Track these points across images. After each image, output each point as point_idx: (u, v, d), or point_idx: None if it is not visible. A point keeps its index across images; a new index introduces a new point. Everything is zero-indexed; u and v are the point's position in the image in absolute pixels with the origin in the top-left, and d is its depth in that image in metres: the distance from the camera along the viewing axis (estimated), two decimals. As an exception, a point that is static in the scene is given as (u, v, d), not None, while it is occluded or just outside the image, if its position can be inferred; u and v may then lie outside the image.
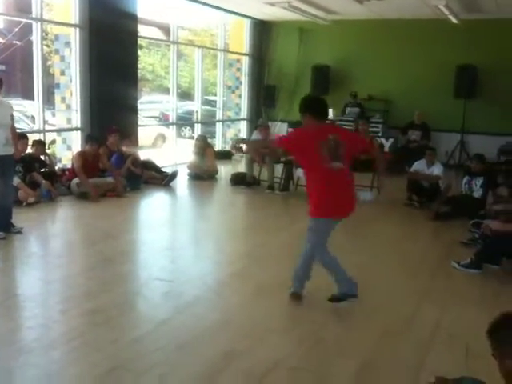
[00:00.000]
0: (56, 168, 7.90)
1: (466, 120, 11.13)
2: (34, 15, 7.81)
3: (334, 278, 4.09)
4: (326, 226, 4.08)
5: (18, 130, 6.14)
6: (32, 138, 7.53)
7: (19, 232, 5.63)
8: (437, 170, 7.75)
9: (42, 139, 7.84)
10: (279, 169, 8.78)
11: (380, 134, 10.73)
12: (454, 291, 4.62)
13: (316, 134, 3.99)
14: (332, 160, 3.92)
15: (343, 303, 4.06)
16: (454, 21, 10.50)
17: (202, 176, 9.29)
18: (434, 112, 11.08)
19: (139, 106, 9.99)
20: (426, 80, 11.46)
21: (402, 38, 11.71)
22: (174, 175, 8.78)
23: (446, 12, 9.83)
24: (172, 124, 11.50)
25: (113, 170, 7.82)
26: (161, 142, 14.35)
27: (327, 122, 4.45)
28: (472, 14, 10.29)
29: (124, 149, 8.32)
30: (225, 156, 11.71)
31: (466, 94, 10.95)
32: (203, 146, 9.55)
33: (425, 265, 5.34)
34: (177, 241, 6.22)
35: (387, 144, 10.74)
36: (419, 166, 7.89)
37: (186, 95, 17.09)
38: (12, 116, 5.62)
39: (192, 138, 11.76)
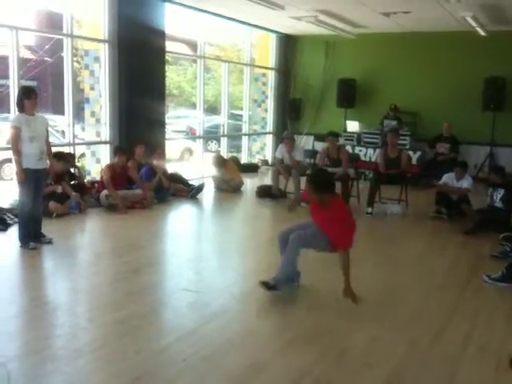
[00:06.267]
0: (85, 181, 8.04)
1: (495, 132, 10.96)
2: (64, 31, 8.02)
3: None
4: None
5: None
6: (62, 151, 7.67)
7: (49, 242, 5.73)
8: (466, 182, 7.63)
9: (72, 152, 7.99)
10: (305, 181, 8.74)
11: (408, 147, 10.63)
12: (484, 304, 4.52)
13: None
14: None
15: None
16: (482, 33, 10.41)
17: (227, 189, 9.38)
18: (463, 124, 10.93)
19: (167, 121, 10.12)
20: (454, 92, 11.34)
21: (429, 50, 11.64)
22: (200, 188, 8.85)
23: (474, 24, 9.75)
24: (199, 138, 11.60)
25: (141, 183, 7.91)
26: (188, 156, 14.52)
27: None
28: (499, 25, 10.18)
29: (155, 163, 8.42)
30: (250, 169, 11.79)
31: (494, 107, 10.81)
32: (220, 162, 9.67)
33: (454, 278, 5.24)
34: (203, 252, 6.24)
35: (415, 157, 10.64)
36: (448, 178, 7.78)
37: (212, 110, 17.25)
38: (47, 130, 5.77)
39: (219, 151, 11.89)
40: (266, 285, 4.43)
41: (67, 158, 7.41)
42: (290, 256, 4.38)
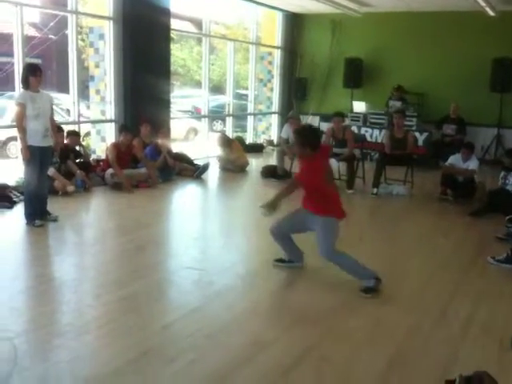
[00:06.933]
0: (90, 159, 8.05)
1: (502, 114, 10.87)
2: (69, 8, 7.95)
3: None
4: None
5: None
6: (67, 129, 7.67)
7: (55, 220, 5.76)
8: (472, 164, 7.59)
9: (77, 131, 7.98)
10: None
11: (414, 128, 10.56)
12: (487, 286, 4.53)
13: None
14: None
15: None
16: (491, 13, 10.24)
17: (232, 168, 9.37)
18: (470, 106, 10.82)
19: (172, 100, 10.07)
20: (462, 73, 11.21)
21: (436, 30, 11.48)
22: (205, 167, 8.85)
23: (483, 4, 9.59)
24: (204, 117, 11.56)
25: (146, 162, 7.91)
26: (193, 135, 14.49)
27: None
28: (509, 5, 10.01)
29: (159, 142, 8.40)
30: (256, 149, 11.76)
31: (502, 88, 10.68)
32: (225, 142, 9.64)
33: (459, 259, 5.24)
34: (207, 231, 6.26)
35: (421, 138, 10.57)
36: (454, 160, 7.74)
37: (217, 89, 17.15)
38: (52, 108, 5.75)
39: (224, 131, 11.86)
40: (281, 261, 4.67)
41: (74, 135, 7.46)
42: (347, 263, 4.27)
